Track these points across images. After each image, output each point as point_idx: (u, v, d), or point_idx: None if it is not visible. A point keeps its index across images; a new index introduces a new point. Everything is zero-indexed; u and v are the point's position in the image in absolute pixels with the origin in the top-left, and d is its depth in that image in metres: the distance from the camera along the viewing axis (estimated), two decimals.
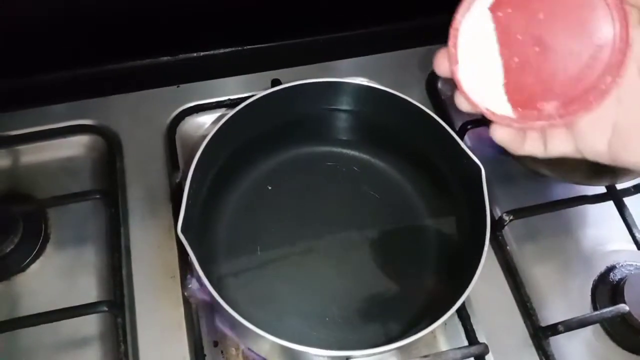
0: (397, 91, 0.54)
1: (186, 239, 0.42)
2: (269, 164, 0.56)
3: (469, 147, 0.51)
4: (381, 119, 0.56)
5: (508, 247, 0.58)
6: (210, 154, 0.48)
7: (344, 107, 0.56)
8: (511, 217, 0.57)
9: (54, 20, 0.61)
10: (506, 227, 0.58)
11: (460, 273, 0.50)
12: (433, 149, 0.54)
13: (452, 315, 0.48)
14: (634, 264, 0.59)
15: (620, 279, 0.58)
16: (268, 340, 0.42)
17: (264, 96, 0.50)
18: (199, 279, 0.43)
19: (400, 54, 0.70)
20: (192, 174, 0.45)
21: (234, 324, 0.46)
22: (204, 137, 0.48)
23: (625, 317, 0.55)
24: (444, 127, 0.50)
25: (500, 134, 0.36)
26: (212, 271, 0.48)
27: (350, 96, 0.55)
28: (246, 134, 0.53)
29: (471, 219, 0.51)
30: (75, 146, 0.62)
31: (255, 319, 0.42)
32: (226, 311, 0.42)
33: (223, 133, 0.48)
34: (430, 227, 0.55)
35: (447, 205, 0.54)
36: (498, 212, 0.59)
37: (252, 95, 0.52)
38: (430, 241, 0.54)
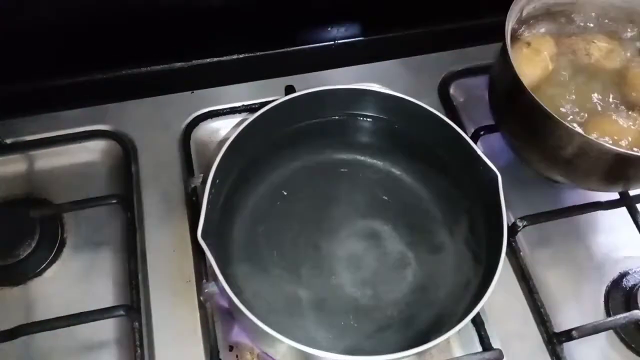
0: (410, 97, 0.55)
1: (207, 244, 0.42)
2: (286, 170, 0.56)
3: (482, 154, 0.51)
4: (397, 126, 0.56)
5: (521, 253, 0.58)
6: (229, 159, 0.48)
7: (360, 113, 0.56)
8: (525, 223, 0.57)
9: (70, 26, 0.62)
10: (520, 233, 0.58)
11: (475, 280, 0.50)
12: (448, 155, 0.54)
13: None
14: None
15: (634, 285, 0.58)
16: (284, 344, 0.42)
17: (282, 102, 0.51)
18: (218, 284, 0.43)
19: (413, 60, 0.71)
20: (212, 179, 0.46)
21: (251, 328, 0.46)
22: (221, 142, 0.49)
23: (638, 324, 0.55)
24: (459, 134, 0.51)
25: None
26: (229, 275, 0.48)
27: (367, 103, 0.55)
28: (265, 139, 0.53)
29: (486, 225, 0.51)
30: (91, 151, 0.63)
31: (271, 322, 0.43)
32: (244, 315, 0.42)
33: (242, 138, 0.49)
34: (445, 233, 0.55)
35: (462, 211, 0.54)
36: (511, 218, 0.59)
37: (270, 101, 0.52)
38: (446, 248, 0.54)
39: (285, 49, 0.72)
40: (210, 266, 0.44)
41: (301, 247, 0.53)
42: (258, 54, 0.72)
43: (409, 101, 0.53)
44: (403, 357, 0.44)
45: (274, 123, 0.52)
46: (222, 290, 0.42)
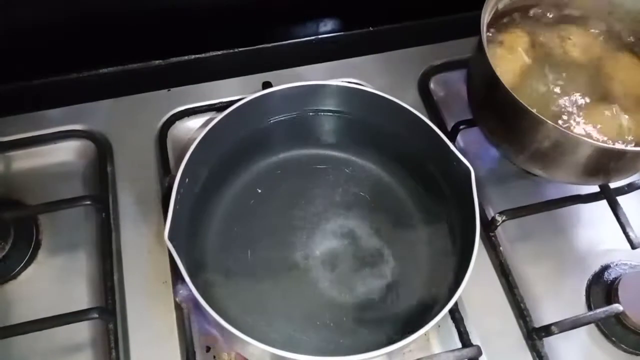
0: (390, 92, 0.54)
1: (174, 245, 0.42)
2: (259, 167, 0.56)
3: (461, 148, 0.50)
4: (371, 121, 0.55)
5: (501, 248, 0.58)
6: (198, 158, 0.48)
7: (333, 109, 0.56)
8: (504, 218, 0.57)
9: (44, 25, 0.61)
10: (499, 228, 0.58)
11: (452, 275, 0.50)
12: (423, 151, 0.54)
13: (445, 317, 0.48)
14: (628, 263, 0.59)
15: (615, 279, 0.57)
16: (257, 348, 0.42)
17: (250, 100, 0.50)
18: (185, 286, 0.42)
19: (393, 54, 0.70)
20: (180, 179, 0.45)
21: (222, 331, 0.46)
22: (191, 141, 0.48)
23: (619, 317, 0.55)
24: (433, 129, 0.50)
25: None
26: (201, 277, 0.48)
27: (339, 99, 0.55)
28: (235, 138, 0.52)
29: (462, 220, 0.51)
30: (66, 151, 0.62)
31: (246, 324, 0.43)
32: (214, 318, 0.41)
33: (210, 137, 0.48)
34: (421, 228, 0.54)
35: (438, 206, 0.54)
36: (491, 213, 0.59)
37: (241, 99, 0.51)
38: (422, 243, 0.54)
39: (265, 45, 0.71)
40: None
41: (276, 245, 0.53)
42: (237, 50, 0.71)
43: (384, 97, 0.53)
44: (379, 355, 0.43)
45: (246, 120, 0.51)
46: (190, 292, 0.42)
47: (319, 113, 0.56)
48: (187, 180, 0.46)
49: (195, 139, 0.47)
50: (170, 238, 0.42)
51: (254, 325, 0.45)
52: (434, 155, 0.52)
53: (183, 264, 0.41)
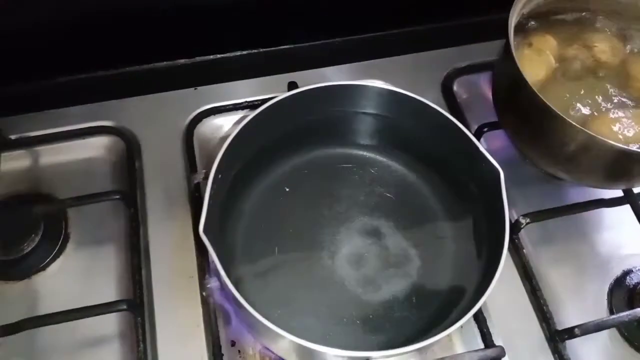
0: (413, 94, 0.54)
1: (207, 239, 0.42)
2: (288, 166, 0.57)
3: (485, 150, 0.51)
4: (399, 122, 0.56)
5: (524, 250, 0.58)
6: (231, 155, 0.48)
7: (363, 110, 0.56)
8: (528, 220, 0.57)
9: (74, 23, 0.62)
10: (522, 230, 0.58)
11: (477, 276, 0.50)
12: (451, 152, 0.54)
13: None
14: None
15: (637, 283, 0.58)
16: (286, 340, 0.43)
17: (284, 98, 0.51)
18: (220, 279, 0.43)
19: (416, 56, 0.71)
20: (214, 174, 0.46)
21: (253, 324, 0.46)
22: (223, 138, 0.49)
23: None
24: (462, 131, 0.50)
25: None
26: (230, 271, 0.48)
27: (370, 99, 0.55)
28: (266, 136, 0.53)
29: (489, 222, 0.51)
30: (94, 147, 0.63)
31: (273, 318, 0.43)
32: (246, 310, 0.42)
33: (244, 135, 0.49)
34: (447, 229, 0.55)
35: (464, 207, 0.54)
36: (514, 215, 0.59)
37: (272, 97, 0.52)
38: (448, 244, 0.54)
39: (289, 46, 0.72)
40: (213, 262, 0.44)
41: (303, 243, 0.53)
42: (261, 50, 0.71)
43: (412, 98, 0.53)
44: (404, 353, 0.44)
45: (277, 119, 0.52)
46: (224, 285, 0.42)
47: (347, 113, 0.56)
48: (219, 176, 0.47)
49: (229, 136, 0.48)
50: (205, 232, 0.42)
51: (281, 319, 0.46)
52: (462, 156, 0.52)
53: (218, 259, 0.42)
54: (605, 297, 0.58)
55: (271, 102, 0.51)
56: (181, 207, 0.58)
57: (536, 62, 0.57)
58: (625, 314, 0.54)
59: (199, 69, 0.70)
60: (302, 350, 0.44)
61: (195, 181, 0.58)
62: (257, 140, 0.52)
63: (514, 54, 0.52)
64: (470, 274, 0.51)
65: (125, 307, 0.51)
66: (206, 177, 0.46)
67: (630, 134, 0.54)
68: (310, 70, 0.68)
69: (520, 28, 0.60)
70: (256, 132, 0.51)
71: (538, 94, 0.51)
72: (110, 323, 0.53)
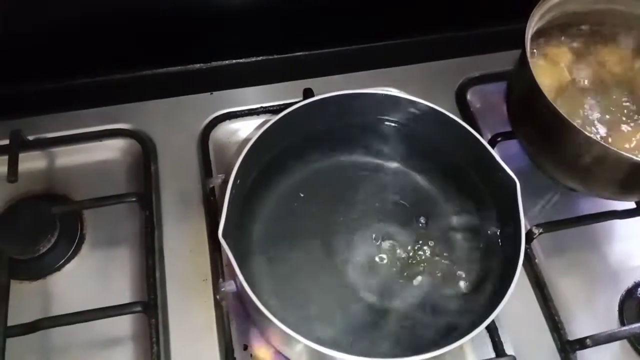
0: (427, 102, 0.55)
1: (226, 243, 0.43)
2: (303, 172, 0.57)
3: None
4: (415, 130, 0.56)
5: (537, 260, 0.58)
6: (250, 161, 0.49)
7: (381, 117, 0.56)
8: (541, 231, 0.57)
9: (93, 25, 0.63)
10: (535, 240, 0.58)
11: (491, 286, 0.50)
12: (467, 161, 0.54)
13: None
14: None
15: None
16: (300, 344, 0.43)
17: (303, 106, 0.51)
18: (237, 282, 0.43)
19: (430, 65, 0.71)
20: (234, 179, 0.46)
21: (267, 327, 0.47)
22: (243, 142, 0.49)
23: None
24: (479, 140, 0.51)
25: None
26: (246, 275, 0.49)
27: (387, 108, 0.56)
28: (284, 142, 0.54)
29: (504, 232, 0.51)
30: (110, 149, 0.64)
31: (288, 322, 0.43)
32: (262, 314, 0.42)
33: (263, 141, 0.49)
34: (462, 239, 0.55)
35: (479, 217, 0.54)
36: (527, 225, 0.59)
37: (287, 103, 0.53)
38: (461, 253, 0.54)
39: (304, 52, 0.73)
40: (228, 265, 0.44)
41: (317, 249, 0.54)
42: (276, 56, 0.72)
43: (429, 106, 0.54)
44: None
45: (294, 126, 0.53)
46: (241, 289, 0.43)
47: (364, 121, 0.57)
48: (238, 181, 0.47)
49: (249, 141, 0.49)
50: (224, 236, 0.43)
51: (296, 323, 0.46)
52: (478, 165, 0.53)
53: (236, 262, 0.42)
54: (616, 308, 0.58)
55: (290, 109, 0.51)
56: (196, 210, 0.59)
57: (551, 73, 0.58)
58: (637, 326, 0.54)
59: (215, 73, 0.71)
60: (315, 355, 0.44)
61: (211, 185, 0.58)
62: (275, 146, 0.53)
63: (531, 65, 0.53)
64: (484, 284, 0.51)
65: (139, 308, 0.52)
66: (225, 182, 0.47)
67: None
68: (324, 77, 0.69)
69: (536, 39, 0.60)
70: (274, 138, 0.51)
71: (554, 104, 0.51)
72: (124, 324, 0.54)
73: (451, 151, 0.55)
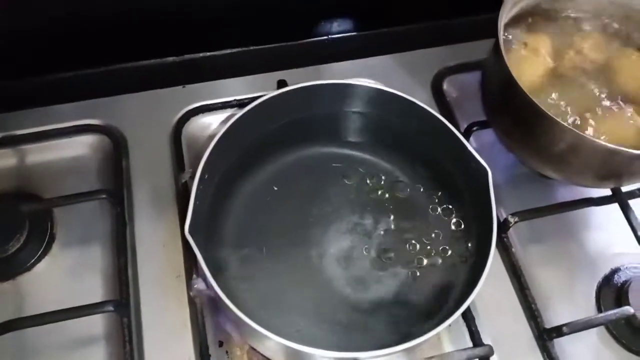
0: (403, 92, 0.54)
1: (193, 239, 0.42)
2: (276, 165, 0.56)
3: (474, 149, 0.51)
4: (388, 121, 0.56)
5: (513, 249, 0.58)
6: (218, 154, 0.48)
7: (352, 108, 0.56)
8: (516, 219, 0.57)
9: (60, 21, 0.62)
10: (511, 229, 0.58)
11: (466, 275, 0.50)
12: (440, 151, 0.54)
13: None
14: (639, 266, 0.59)
15: (625, 281, 0.58)
16: (273, 341, 0.42)
17: (272, 97, 0.51)
18: (205, 280, 0.43)
19: (406, 55, 0.70)
20: (200, 174, 0.46)
21: (239, 325, 0.46)
22: (211, 137, 0.48)
23: (629, 320, 0.55)
24: (451, 130, 0.50)
25: None
26: (217, 271, 0.48)
27: (359, 98, 0.55)
28: (254, 135, 0.53)
29: (477, 221, 0.51)
30: (81, 146, 0.62)
31: (261, 319, 0.43)
32: (232, 312, 0.42)
33: (231, 134, 0.49)
34: (436, 228, 0.55)
35: (453, 206, 0.54)
36: (503, 214, 0.59)
37: (260, 96, 0.52)
38: (437, 243, 0.54)
39: (279, 44, 0.72)
40: (199, 262, 0.44)
41: (291, 242, 0.53)
42: (251, 48, 0.71)
43: (401, 97, 0.53)
44: (392, 353, 0.44)
45: (264, 118, 0.52)
46: (210, 286, 0.42)
47: (336, 112, 0.56)
48: (206, 176, 0.46)
49: (215, 135, 0.48)
50: (191, 233, 0.42)
51: (269, 320, 0.46)
52: (451, 155, 0.52)
53: (203, 259, 0.42)
54: (594, 295, 0.58)
55: (259, 101, 0.50)
56: (168, 206, 0.58)
57: (532, 61, 0.57)
58: (613, 312, 0.54)
59: (188, 66, 0.69)
60: (289, 351, 0.44)
61: (183, 180, 0.57)
62: (245, 139, 0.52)
63: (504, 53, 0.52)
64: (459, 272, 0.51)
65: (111, 307, 0.51)
66: (193, 177, 0.46)
67: (620, 133, 0.54)
68: (300, 69, 0.68)
69: (514, 27, 0.60)
70: (244, 130, 0.50)
71: (527, 93, 0.51)
72: (97, 323, 0.53)
73: (425, 141, 0.55)
